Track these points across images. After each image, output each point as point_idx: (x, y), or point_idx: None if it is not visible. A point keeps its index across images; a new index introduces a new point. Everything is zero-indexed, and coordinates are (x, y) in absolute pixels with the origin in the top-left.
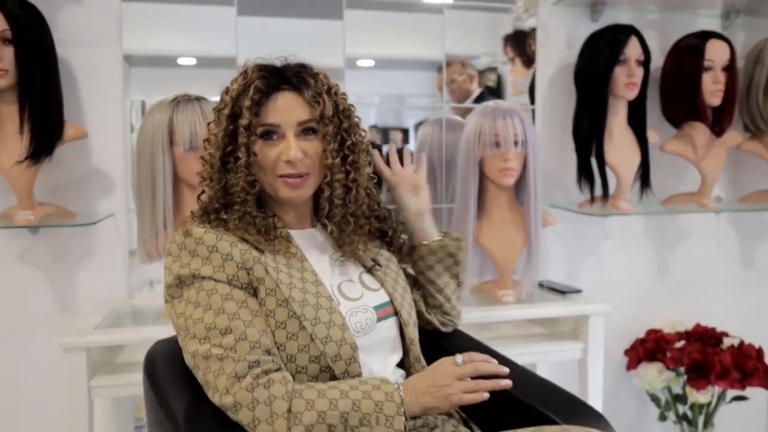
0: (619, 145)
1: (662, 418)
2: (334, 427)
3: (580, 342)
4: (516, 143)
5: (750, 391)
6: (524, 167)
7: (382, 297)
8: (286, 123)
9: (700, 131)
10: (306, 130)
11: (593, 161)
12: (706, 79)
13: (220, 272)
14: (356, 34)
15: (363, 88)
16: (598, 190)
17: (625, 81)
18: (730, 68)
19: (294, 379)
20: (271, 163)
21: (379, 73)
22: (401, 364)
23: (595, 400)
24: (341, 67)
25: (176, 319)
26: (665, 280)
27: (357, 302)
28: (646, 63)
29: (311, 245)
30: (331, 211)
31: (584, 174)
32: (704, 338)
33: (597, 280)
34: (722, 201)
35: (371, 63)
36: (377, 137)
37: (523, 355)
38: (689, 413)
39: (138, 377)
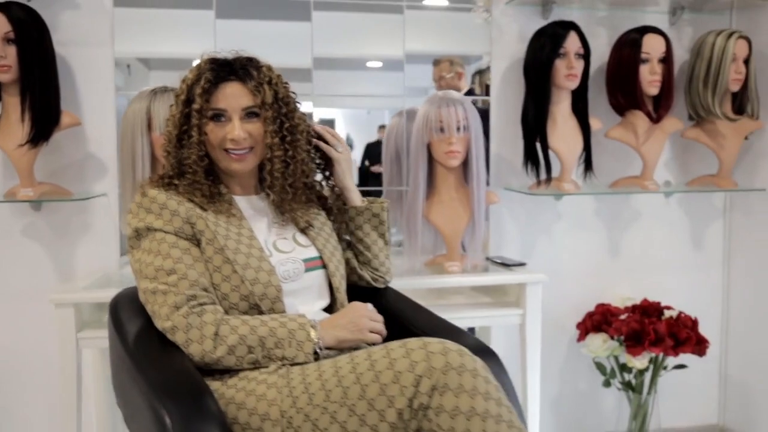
0: (563, 131)
1: (606, 384)
2: (253, 348)
3: (520, 309)
4: (458, 128)
5: (693, 362)
6: (468, 151)
7: (311, 252)
8: (231, 108)
9: (640, 119)
10: (249, 114)
11: (538, 146)
12: (644, 70)
13: (168, 225)
14: (326, 35)
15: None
16: (544, 174)
17: (565, 72)
18: (666, 60)
19: (227, 313)
20: (219, 141)
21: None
22: (329, 309)
23: (533, 360)
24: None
25: (134, 264)
26: (618, 258)
27: (288, 254)
28: (585, 56)
29: (253, 209)
30: (272, 183)
31: (530, 158)
32: (648, 311)
33: (551, 258)
34: (671, 185)
35: (379, 64)
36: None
37: (467, 318)
38: (633, 381)
39: None
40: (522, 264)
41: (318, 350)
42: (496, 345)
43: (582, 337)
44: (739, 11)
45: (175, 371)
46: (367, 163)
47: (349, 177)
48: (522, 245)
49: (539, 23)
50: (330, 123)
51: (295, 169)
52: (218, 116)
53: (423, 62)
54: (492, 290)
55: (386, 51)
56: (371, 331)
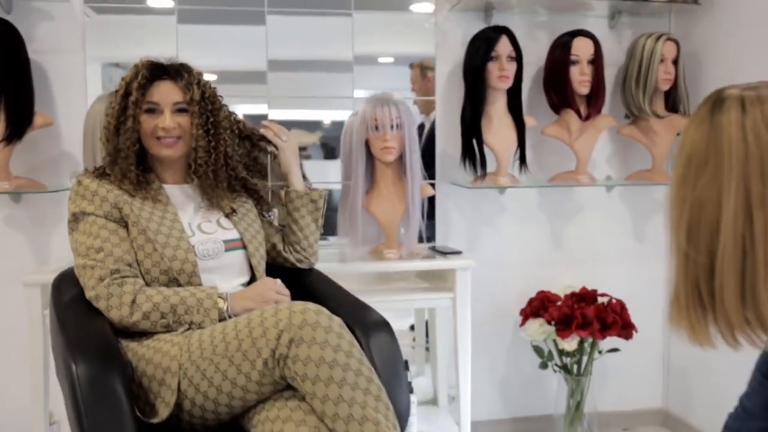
0: (498, 128)
1: (543, 366)
2: (165, 314)
3: (451, 293)
4: (392, 126)
5: (638, 348)
6: (403, 147)
7: (233, 234)
8: (164, 102)
9: (572, 117)
10: (179, 109)
11: (475, 143)
12: (574, 71)
13: (99, 210)
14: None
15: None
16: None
17: (498, 74)
18: (595, 62)
19: (148, 286)
20: (152, 130)
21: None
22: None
23: (464, 340)
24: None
25: (72, 244)
26: (560, 249)
27: (209, 235)
28: (518, 59)
29: (180, 195)
30: (196, 168)
31: (467, 154)
32: (585, 298)
33: (496, 249)
34: (612, 179)
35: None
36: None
37: (404, 301)
38: (568, 364)
39: None
40: (458, 252)
41: (227, 317)
42: (441, 327)
43: (523, 322)
44: (677, 14)
45: (90, 331)
46: None
47: (293, 162)
48: (468, 237)
49: (481, 27)
50: (317, 124)
51: (217, 158)
52: (152, 109)
53: (370, 64)
54: (431, 276)
55: (336, 53)
56: (277, 303)
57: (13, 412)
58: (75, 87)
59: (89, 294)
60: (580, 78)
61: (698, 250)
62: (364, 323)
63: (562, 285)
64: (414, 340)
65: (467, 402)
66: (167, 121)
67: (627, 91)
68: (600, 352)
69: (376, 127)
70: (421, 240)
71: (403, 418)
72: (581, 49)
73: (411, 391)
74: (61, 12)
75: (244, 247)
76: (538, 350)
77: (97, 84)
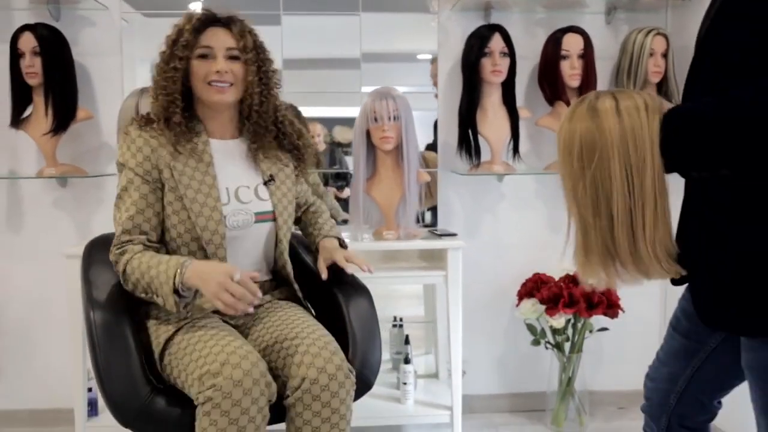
0: (493, 120)
1: (536, 343)
2: (145, 288)
3: (444, 271)
4: (390, 118)
5: (624, 327)
6: (401, 137)
7: (266, 206)
8: (217, 47)
9: (565, 108)
10: (232, 57)
11: (470, 134)
12: (564, 65)
13: (139, 167)
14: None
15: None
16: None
17: (491, 69)
18: (585, 56)
19: (179, 250)
20: (204, 74)
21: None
22: (274, 257)
23: (455, 318)
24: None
25: (118, 184)
26: (558, 234)
27: (244, 205)
28: (511, 54)
29: (226, 153)
30: (250, 115)
31: (464, 143)
32: (577, 280)
33: (496, 233)
34: None
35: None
36: None
37: (401, 277)
38: (560, 342)
39: None
40: (453, 234)
41: (181, 292)
42: (441, 307)
43: (519, 302)
44: (674, 9)
45: (108, 286)
46: None
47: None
48: (467, 222)
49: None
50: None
51: (268, 107)
52: (205, 54)
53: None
54: (430, 257)
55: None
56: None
57: (56, 369)
58: (113, 85)
59: (109, 256)
60: (571, 72)
61: (601, 218)
62: (345, 288)
63: (559, 268)
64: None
65: (458, 374)
66: (221, 65)
67: (619, 84)
68: (591, 332)
69: (375, 119)
70: (425, 225)
71: (373, 372)
72: (571, 44)
73: (408, 362)
74: (101, 19)
75: (275, 219)
76: (531, 328)
77: (132, 82)
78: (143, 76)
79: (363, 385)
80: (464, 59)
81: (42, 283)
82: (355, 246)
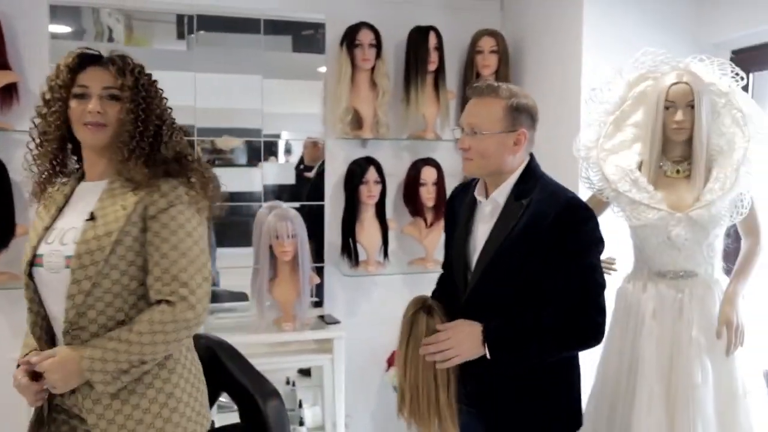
0: (368, 230)
1: None
2: None
3: (330, 354)
4: (288, 236)
5: None
6: (297, 249)
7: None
8: (93, 86)
9: (422, 222)
10: (110, 96)
11: (351, 242)
12: (423, 190)
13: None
14: None
15: None
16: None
17: (367, 194)
18: (437, 183)
19: None
20: (79, 114)
21: None
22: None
23: (339, 387)
24: None
25: None
26: None
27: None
28: (382, 182)
29: (86, 192)
30: (117, 153)
31: (345, 249)
32: None
33: (369, 315)
34: None
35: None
36: None
37: (296, 361)
38: None
39: None
40: (337, 322)
41: None
42: (327, 374)
43: (388, 368)
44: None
45: None
46: (302, 166)
47: None
48: (348, 306)
49: (359, 151)
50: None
51: (140, 142)
52: (81, 94)
53: None
54: (319, 342)
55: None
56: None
57: None
58: None
59: None
60: (427, 196)
61: None
62: (262, 392)
63: None
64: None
65: (342, 428)
66: (92, 105)
67: None
68: None
69: (277, 237)
70: (314, 303)
71: None
72: (428, 175)
73: (302, 423)
74: None
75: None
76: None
77: None
78: None
79: None
80: (346, 184)
81: None
82: (257, 338)
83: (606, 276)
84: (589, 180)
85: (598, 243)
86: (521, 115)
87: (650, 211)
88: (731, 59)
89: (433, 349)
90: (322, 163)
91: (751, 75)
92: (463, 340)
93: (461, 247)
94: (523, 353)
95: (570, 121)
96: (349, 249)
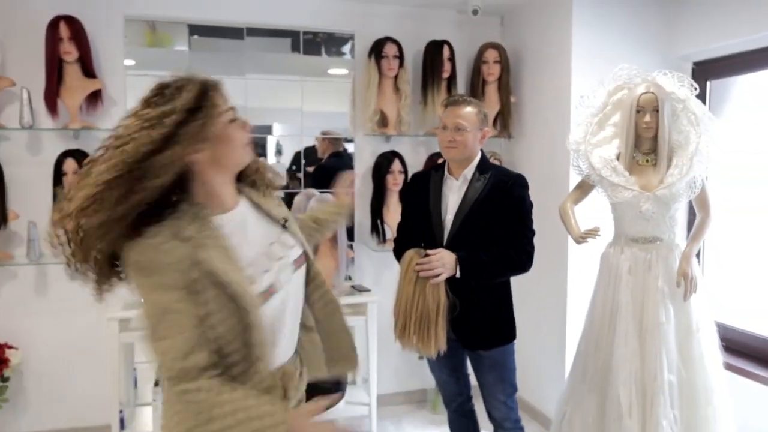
0: (393, 212)
1: (420, 357)
2: None
3: (364, 316)
4: None
5: None
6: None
7: (297, 251)
8: None
9: None
10: None
11: (378, 222)
12: None
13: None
14: None
15: None
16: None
17: (392, 182)
18: None
19: None
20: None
21: None
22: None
23: (372, 345)
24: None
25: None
26: None
27: (281, 260)
28: (405, 171)
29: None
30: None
31: (374, 229)
32: None
33: (394, 285)
34: None
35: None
36: None
37: None
38: None
39: None
40: (367, 290)
41: None
42: (359, 335)
43: None
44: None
45: None
46: (294, 167)
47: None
48: (375, 277)
49: (384, 146)
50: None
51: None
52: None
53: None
54: (355, 306)
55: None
56: None
57: (96, 399)
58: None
59: None
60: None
61: None
62: None
63: None
64: None
65: (375, 381)
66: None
67: None
68: None
69: None
70: (346, 278)
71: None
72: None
73: None
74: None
75: (306, 261)
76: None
77: None
78: None
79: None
80: (374, 174)
81: (77, 337)
82: None
83: (591, 241)
84: (578, 168)
85: (531, 204)
86: (485, 119)
87: (626, 191)
88: (693, 69)
89: (427, 266)
90: (331, 153)
91: (708, 83)
92: (446, 262)
93: (437, 209)
94: (483, 273)
95: (562, 121)
96: (378, 229)
